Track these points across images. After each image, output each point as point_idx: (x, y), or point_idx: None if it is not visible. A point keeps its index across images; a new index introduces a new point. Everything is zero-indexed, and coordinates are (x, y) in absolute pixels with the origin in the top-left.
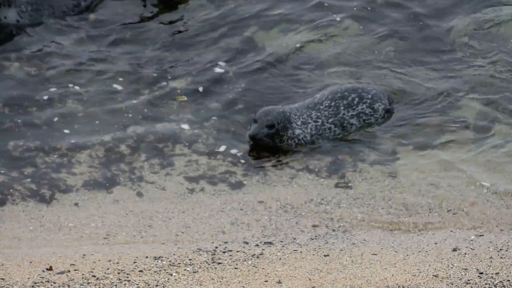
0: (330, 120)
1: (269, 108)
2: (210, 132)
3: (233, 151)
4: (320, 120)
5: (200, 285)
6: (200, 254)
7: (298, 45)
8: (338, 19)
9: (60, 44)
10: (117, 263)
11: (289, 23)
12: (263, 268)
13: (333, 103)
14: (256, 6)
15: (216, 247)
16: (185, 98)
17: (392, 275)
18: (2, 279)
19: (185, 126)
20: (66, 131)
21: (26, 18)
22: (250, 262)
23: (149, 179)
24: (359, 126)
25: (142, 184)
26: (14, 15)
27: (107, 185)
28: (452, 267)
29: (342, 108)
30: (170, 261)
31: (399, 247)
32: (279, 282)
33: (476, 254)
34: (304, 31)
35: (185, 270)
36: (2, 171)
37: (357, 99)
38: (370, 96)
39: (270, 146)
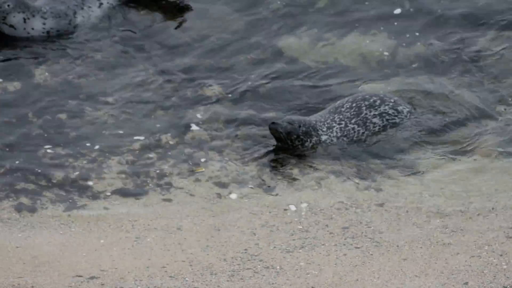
0: (353, 121)
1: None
2: (239, 138)
3: (261, 156)
4: (343, 122)
5: None
6: (225, 260)
7: (327, 56)
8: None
9: (88, 52)
10: (147, 267)
11: (318, 33)
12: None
13: (354, 104)
14: (284, 17)
15: (246, 249)
16: (203, 170)
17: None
18: (32, 286)
19: (214, 132)
20: (96, 137)
21: (50, 25)
22: (278, 268)
23: (178, 184)
24: (383, 126)
25: (171, 189)
26: (40, 25)
27: (137, 190)
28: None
29: (364, 108)
30: (202, 266)
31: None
32: None
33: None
34: (335, 43)
35: (216, 275)
36: (32, 177)
37: (379, 101)
38: (392, 100)
39: (286, 146)
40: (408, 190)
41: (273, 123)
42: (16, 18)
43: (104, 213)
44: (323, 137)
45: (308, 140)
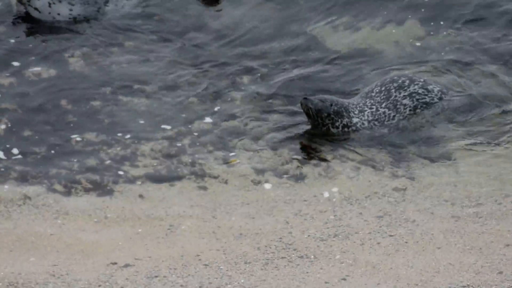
0: (383, 105)
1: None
2: (273, 126)
3: (295, 144)
4: (374, 107)
5: (264, 280)
6: (259, 249)
7: (360, 43)
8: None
9: (122, 40)
10: (181, 256)
11: (350, 20)
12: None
13: (383, 88)
14: (317, 4)
15: (281, 238)
16: (238, 161)
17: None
18: (67, 274)
19: (248, 120)
20: (130, 124)
21: (77, 12)
22: (311, 257)
23: (213, 172)
24: (414, 106)
25: (206, 177)
26: (66, 10)
27: (171, 177)
28: None
29: (393, 90)
30: (236, 255)
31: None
32: (344, 279)
33: None
34: (367, 30)
35: (250, 263)
36: (67, 164)
37: (408, 81)
38: (422, 80)
39: (320, 127)
40: (442, 179)
41: (305, 98)
42: (40, 2)
43: (138, 200)
44: (354, 120)
45: (339, 120)
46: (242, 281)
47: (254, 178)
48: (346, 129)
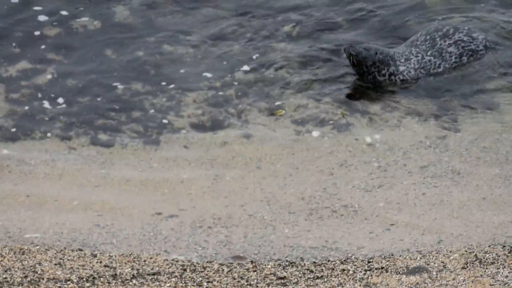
0: (428, 53)
1: None
2: (318, 76)
3: (341, 95)
4: (420, 55)
5: (308, 231)
6: (303, 199)
7: None
8: None
9: None
10: (226, 206)
11: None
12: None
13: (428, 37)
14: None
15: (325, 188)
16: (283, 112)
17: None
18: (111, 224)
19: (293, 71)
20: (174, 74)
21: None
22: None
23: (257, 122)
24: (459, 54)
25: (250, 127)
26: None
27: (215, 127)
28: None
29: (438, 39)
30: (280, 205)
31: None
32: (388, 229)
33: None
34: None
35: (294, 214)
36: (111, 114)
37: (452, 29)
38: (466, 28)
39: (366, 76)
40: (487, 129)
41: (349, 46)
42: None
43: (183, 150)
44: (401, 68)
45: (385, 68)
46: (286, 231)
47: (298, 128)
48: (392, 78)
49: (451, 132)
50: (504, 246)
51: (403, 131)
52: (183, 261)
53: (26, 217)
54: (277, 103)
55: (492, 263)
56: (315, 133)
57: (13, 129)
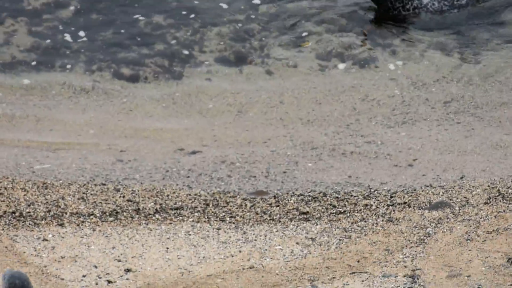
0: None
1: None
2: (341, 11)
3: (363, 28)
4: None
5: (331, 166)
6: (326, 135)
7: None
8: None
9: None
10: (249, 142)
11: None
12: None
13: None
14: None
15: (348, 125)
16: (309, 43)
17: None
18: (135, 159)
19: (316, 4)
20: (197, 7)
21: None
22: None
23: (280, 56)
24: None
25: (273, 61)
26: None
27: (238, 62)
28: None
29: None
30: (303, 141)
31: None
32: (411, 165)
33: None
34: None
35: (317, 149)
36: (134, 48)
37: None
38: None
39: (390, 12)
40: (511, 63)
41: None
42: None
43: (206, 84)
44: (425, 1)
45: (409, 3)
46: (309, 164)
47: (322, 63)
48: (416, 11)
49: (474, 66)
50: None
51: (426, 65)
52: (206, 196)
53: (49, 152)
54: (303, 34)
55: None
56: (338, 68)
57: (34, 63)
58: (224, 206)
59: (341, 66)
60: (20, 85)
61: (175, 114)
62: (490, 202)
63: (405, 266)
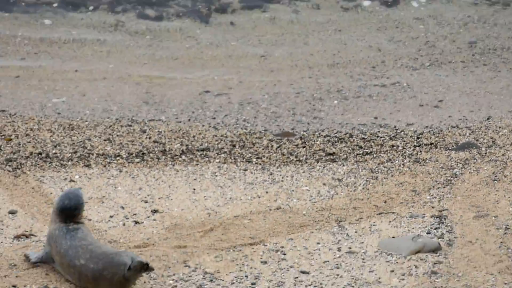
0: None
1: None
2: None
3: None
4: None
5: (357, 108)
6: (352, 77)
7: None
8: None
9: None
10: (274, 85)
11: None
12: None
13: None
14: None
15: (374, 67)
16: None
17: None
18: (161, 101)
19: None
20: None
21: None
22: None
23: None
24: None
25: (298, 3)
26: None
27: (263, 3)
28: None
29: None
30: (329, 83)
31: None
32: (436, 106)
33: None
34: None
35: (342, 91)
36: None
37: None
38: None
39: None
40: None
41: None
42: None
43: (230, 28)
44: None
45: None
46: (335, 102)
47: (346, 5)
48: None
49: (499, 6)
50: None
51: (451, 5)
52: (232, 137)
53: (75, 94)
54: None
55: None
56: (363, 7)
57: (55, 4)
58: (251, 147)
59: (366, 6)
60: (43, 25)
61: (199, 56)
62: None
63: (432, 207)
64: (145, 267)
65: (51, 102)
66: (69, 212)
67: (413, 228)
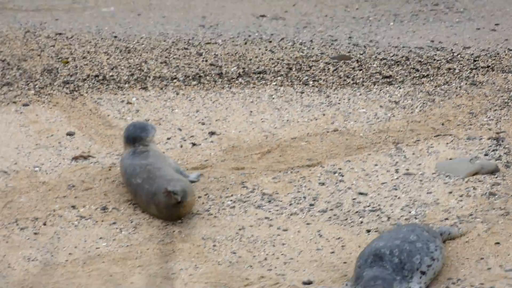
0: None
1: None
2: None
3: None
4: None
5: (413, 32)
6: (408, 2)
7: None
8: None
9: None
10: (330, 6)
11: None
12: None
13: None
14: None
15: None
16: None
17: None
18: (217, 24)
19: None
20: None
21: None
22: None
23: None
24: None
25: None
26: None
27: None
28: None
29: None
30: (385, 8)
31: None
32: (494, 29)
33: None
34: None
35: (399, 17)
36: None
37: None
38: None
39: None
40: None
41: None
42: None
43: None
44: None
45: None
46: (391, 31)
47: None
48: None
49: None
50: None
51: None
52: (289, 60)
53: (132, 17)
54: None
55: None
56: None
57: None
58: (307, 70)
59: None
60: None
61: None
62: None
63: (490, 129)
64: (180, 199)
65: (108, 25)
66: (134, 136)
67: (470, 150)
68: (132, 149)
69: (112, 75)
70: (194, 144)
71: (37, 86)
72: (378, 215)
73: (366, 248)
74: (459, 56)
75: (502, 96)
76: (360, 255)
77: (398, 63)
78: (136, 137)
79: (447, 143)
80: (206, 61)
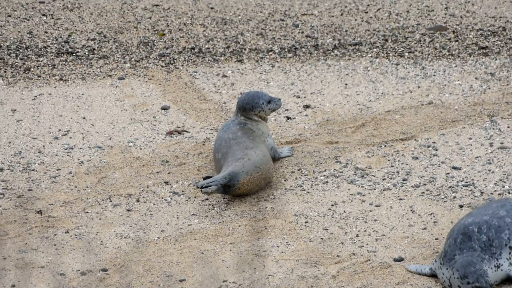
0: None
1: None
2: None
3: None
4: None
5: (502, 6)
6: None
7: None
8: None
9: None
10: None
11: None
12: None
13: None
14: None
15: None
16: None
17: None
18: None
19: None
20: None
21: None
22: None
23: None
24: None
25: None
26: None
27: None
28: None
29: None
30: None
31: None
32: None
33: None
34: None
35: None
36: None
37: None
38: None
39: None
40: None
41: None
42: None
43: None
44: None
45: None
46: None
47: None
48: None
49: None
50: None
51: None
52: (385, 32)
53: None
54: None
55: None
56: None
57: None
58: (403, 42)
59: None
60: None
61: None
62: None
63: None
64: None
65: None
66: (240, 105)
67: None
68: (234, 118)
69: (208, 48)
70: (288, 118)
71: (133, 59)
72: (471, 190)
73: (455, 225)
74: None
75: None
76: (450, 232)
77: (494, 33)
78: (242, 107)
79: None
80: (302, 32)
